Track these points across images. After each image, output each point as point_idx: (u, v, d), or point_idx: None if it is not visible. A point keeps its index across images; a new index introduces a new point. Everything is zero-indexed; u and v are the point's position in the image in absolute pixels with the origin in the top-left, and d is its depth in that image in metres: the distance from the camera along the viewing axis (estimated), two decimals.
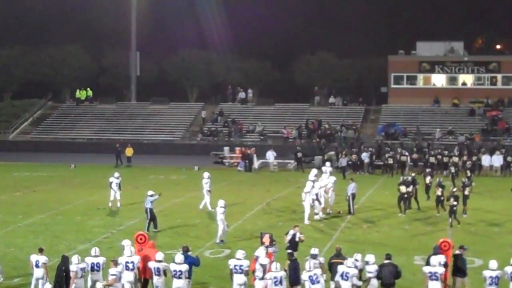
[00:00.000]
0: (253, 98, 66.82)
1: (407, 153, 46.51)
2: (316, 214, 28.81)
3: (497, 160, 45.63)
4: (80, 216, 29.67)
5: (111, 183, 31.38)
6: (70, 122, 63.93)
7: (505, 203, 30.61)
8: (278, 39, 75.69)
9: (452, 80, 64.35)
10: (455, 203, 27.65)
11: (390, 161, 45.51)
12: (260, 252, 17.84)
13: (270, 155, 48.53)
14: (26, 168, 47.37)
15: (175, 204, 33.04)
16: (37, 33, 75.16)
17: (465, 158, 44.61)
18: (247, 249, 18.65)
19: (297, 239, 19.85)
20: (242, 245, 22.70)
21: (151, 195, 26.54)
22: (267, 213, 30.90)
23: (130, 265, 17.54)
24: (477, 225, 28.21)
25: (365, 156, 46.83)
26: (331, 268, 17.54)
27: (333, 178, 31.41)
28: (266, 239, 19.21)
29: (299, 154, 47.78)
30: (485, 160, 45.80)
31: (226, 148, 52.63)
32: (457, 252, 17.98)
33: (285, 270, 17.25)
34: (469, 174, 36.78)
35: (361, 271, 17.34)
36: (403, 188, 30.01)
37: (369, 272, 17.16)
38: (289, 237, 20.01)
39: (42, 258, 17.91)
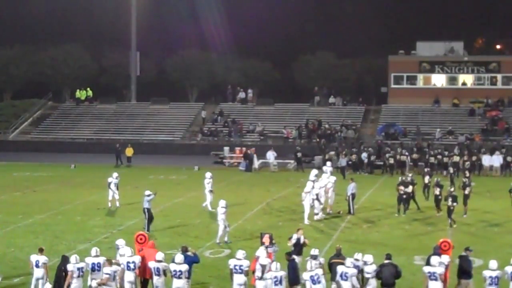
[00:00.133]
0: (253, 98, 66.82)
1: (407, 153, 46.54)
2: (316, 214, 28.80)
3: (497, 160, 45.65)
4: (80, 216, 29.67)
5: (109, 183, 31.38)
6: (70, 122, 63.94)
7: (505, 203, 30.57)
8: (278, 39, 75.68)
9: (452, 80, 64.36)
10: (454, 204, 27.64)
11: (391, 161, 45.53)
12: (261, 252, 17.83)
13: (271, 155, 48.54)
14: (26, 168, 47.38)
15: (175, 204, 33.04)
16: (37, 33, 75.16)
17: (465, 158, 44.64)
18: (247, 249, 18.65)
19: (301, 241, 19.81)
20: (242, 245, 22.70)
21: (148, 195, 26.53)
22: (267, 213, 30.90)
23: (131, 265, 17.54)
24: (477, 225, 28.20)
25: (365, 156, 46.84)
26: (331, 268, 17.53)
27: (333, 178, 31.38)
28: (266, 239, 19.19)
29: (299, 154, 47.77)
30: (485, 160, 45.82)
31: (226, 148, 52.63)
32: (463, 253, 17.94)
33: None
34: (467, 174, 36.80)
35: (361, 271, 17.31)
36: (401, 189, 29.99)
37: (367, 273, 17.15)
38: (293, 241, 19.87)
39: (42, 258, 17.91)
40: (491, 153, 46.36)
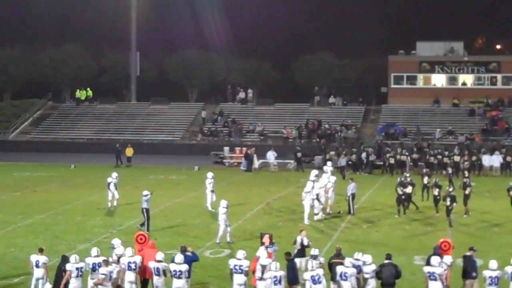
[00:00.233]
0: (253, 98, 66.82)
1: (407, 153, 46.56)
2: (316, 214, 28.80)
3: (497, 160, 45.65)
4: (80, 216, 29.67)
5: (109, 183, 31.37)
6: (70, 122, 63.93)
7: (505, 203, 30.55)
8: (278, 39, 75.69)
9: (452, 80, 64.35)
10: (454, 204, 27.62)
11: (392, 161, 45.55)
12: (261, 252, 17.81)
13: (271, 155, 48.53)
14: (26, 168, 47.38)
15: (175, 204, 33.05)
16: (37, 33, 75.17)
17: (466, 158, 44.66)
18: (247, 249, 18.66)
19: (305, 243, 19.79)
20: (242, 245, 22.71)
21: (146, 195, 26.53)
22: (267, 213, 30.90)
23: (133, 265, 17.54)
24: (477, 225, 28.21)
25: (364, 156, 46.86)
26: (331, 268, 17.53)
27: (333, 178, 31.40)
28: (266, 239, 19.20)
29: (299, 154, 47.77)
30: (485, 160, 45.82)
31: (226, 148, 52.63)
32: (467, 253, 17.92)
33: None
34: (467, 174, 36.84)
35: (360, 271, 17.29)
36: (400, 190, 29.99)
37: (366, 273, 17.14)
38: (299, 246, 19.76)
39: (42, 258, 17.91)
40: (491, 153, 46.36)
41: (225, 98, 66.79)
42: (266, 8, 75.16)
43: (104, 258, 17.69)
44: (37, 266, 17.85)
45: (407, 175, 32.94)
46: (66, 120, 64.52)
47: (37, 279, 17.84)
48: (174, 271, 17.11)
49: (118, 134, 60.76)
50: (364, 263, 17.28)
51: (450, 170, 39.29)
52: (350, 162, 46.40)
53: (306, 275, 16.80)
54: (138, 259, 17.70)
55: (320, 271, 16.74)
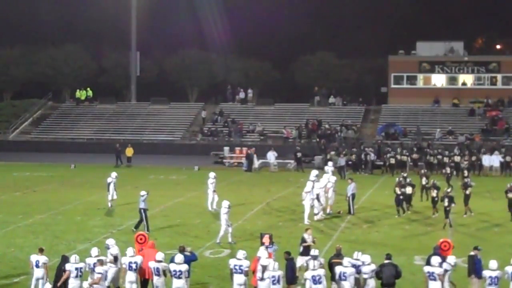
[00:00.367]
0: (253, 98, 66.83)
1: (407, 153, 46.58)
2: (316, 214, 28.80)
3: (497, 160, 45.66)
4: (80, 216, 29.67)
5: (109, 183, 31.36)
6: (70, 122, 63.94)
7: (504, 203, 30.49)
8: (278, 39, 75.70)
9: (452, 80, 64.38)
10: (452, 204, 27.60)
11: (392, 161, 45.56)
12: (262, 253, 17.79)
13: (271, 155, 48.51)
14: (26, 168, 47.38)
15: (175, 204, 33.05)
16: (37, 33, 75.17)
17: (466, 158, 44.69)
18: (247, 249, 18.65)
19: (308, 241, 19.76)
20: (242, 245, 22.70)
21: (143, 195, 26.53)
22: (267, 213, 30.90)
23: (133, 265, 17.53)
24: (477, 225, 28.20)
25: (364, 156, 46.90)
26: (331, 268, 17.54)
27: (333, 178, 31.42)
28: (266, 240, 19.20)
29: (299, 154, 47.78)
30: (485, 160, 45.82)
31: (226, 148, 52.63)
32: (472, 253, 17.92)
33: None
34: (466, 174, 36.84)
35: (359, 271, 17.29)
36: (398, 190, 29.98)
37: (365, 273, 17.12)
38: (310, 242, 19.60)
39: (42, 258, 17.90)
40: (491, 153, 46.36)
41: (225, 98, 66.79)
42: (266, 8, 75.17)
43: (99, 257, 17.66)
44: (37, 266, 17.84)
45: (404, 175, 32.90)
46: (66, 120, 64.53)
47: (37, 279, 17.82)
48: (174, 271, 17.11)
49: (118, 134, 60.77)
50: (363, 263, 17.27)
51: (448, 170, 39.26)
52: (350, 162, 46.43)
53: (307, 274, 16.80)
54: (139, 259, 17.69)
55: (322, 272, 16.74)
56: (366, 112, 62.89)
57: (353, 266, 17.15)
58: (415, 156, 46.79)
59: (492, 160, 45.76)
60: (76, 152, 57.02)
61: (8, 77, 72.19)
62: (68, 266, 17.14)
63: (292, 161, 48.54)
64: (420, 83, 64.99)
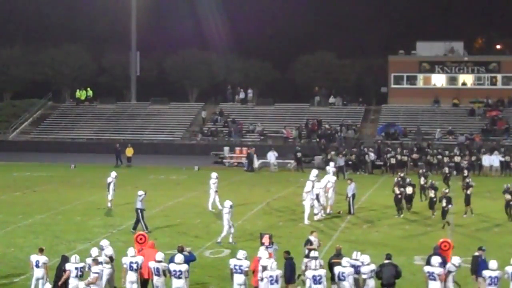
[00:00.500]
0: (253, 98, 66.83)
1: (408, 153, 46.59)
2: (316, 214, 28.80)
3: (496, 160, 45.65)
4: (80, 216, 29.67)
5: (109, 183, 31.35)
6: (70, 122, 63.94)
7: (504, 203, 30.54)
8: (278, 39, 75.71)
9: (452, 80, 64.37)
10: (449, 205, 27.56)
11: (392, 161, 45.57)
12: (263, 253, 17.78)
13: (271, 155, 48.49)
14: (26, 168, 47.37)
15: (175, 204, 33.05)
16: (37, 33, 75.18)
17: (466, 158, 44.71)
18: (247, 249, 18.64)
19: (313, 244, 19.76)
20: (242, 245, 22.70)
21: (140, 195, 26.52)
22: (267, 213, 30.90)
23: (134, 265, 17.52)
24: (477, 225, 28.20)
25: (364, 156, 46.95)
26: (331, 269, 17.54)
27: (333, 178, 31.46)
28: (266, 240, 19.19)
29: (299, 154, 47.78)
30: (485, 160, 45.82)
31: (226, 148, 52.62)
32: (476, 253, 17.90)
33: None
34: (466, 174, 36.83)
35: (358, 271, 17.28)
36: (397, 189, 29.97)
37: (364, 273, 17.10)
38: (316, 244, 19.58)
39: (42, 258, 17.90)
40: (491, 153, 46.35)
41: (225, 98, 66.78)
42: (266, 8, 75.18)
43: (93, 257, 17.65)
44: (37, 266, 17.84)
45: (402, 175, 32.86)
46: (66, 120, 64.54)
47: (37, 279, 17.83)
48: (174, 271, 17.11)
49: (118, 134, 60.77)
50: (362, 264, 17.26)
51: (447, 170, 39.23)
52: (350, 162, 46.45)
53: (308, 274, 16.81)
54: (140, 259, 17.69)
55: (323, 272, 16.73)
56: (366, 112, 62.89)
57: (352, 266, 17.15)
58: (415, 156, 46.79)
59: (492, 160, 45.75)
60: (76, 152, 57.02)
61: (8, 77, 72.16)
62: (68, 266, 17.15)
63: (292, 161, 48.53)
64: (420, 83, 64.98)
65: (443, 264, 17.23)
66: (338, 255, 17.93)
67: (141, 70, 69.65)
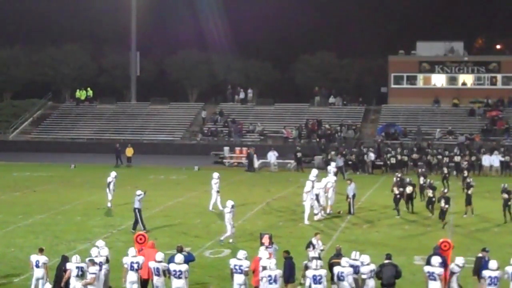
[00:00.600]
0: (253, 98, 66.83)
1: (408, 153, 46.59)
2: (316, 214, 28.80)
3: (496, 160, 45.65)
4: (80, 216, 29.67)
5: (109, 183, 31.34)
6: (70, 122, 63.96)
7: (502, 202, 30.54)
8: (278, 39, 75.70)
9: (452, 80, 64.37)
10: (446, 206, 27.53)
11: (392, 161, 45.57)
12: (263, 253, 17.77)
13: (272, 155, 48.48)
14: (26, 168, 47.37)
15: (175, 204, 33.05)
16: (37, 33, 75.17)
17: (466, 158, 44.71)
18: (247, 249, 18.65)
19: (319, 247, 19.73)
20: (242, 245, 22.70)
21: (139, 195, 26.53)
22: (267, 213, 30.90)
23: (135, 265, 17.52)
24: (477, 225, 28.21)
25: (364, 156, 46.96)
26: (331, 269, 17.53)
27: (333, 178, 31.47)
28: (266, 240, 19.18)
29: (299, 154, 47.78)
30: (485, 160, 45.82)
31: (226, 148, 52.62)
32: (479, 255, 17.88)
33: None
34: (466, 174, 36.82)
35: (358, 271, 17.27)
36: (396, 189, 29.95)
37: (363, 274, 17.09)
38: (317, 250, 19.54)
39: (42, 258, 17.90)
40: (491, 153, 46.35)
41: (225, 98, 66.79)
42: (266, 8, 75.15)
43: (90, 258, 17.66)
44: (37, 266, 17.84)
45: (399, 175, 32.83)
46: (66, 120, 64.55)
47: (37, 279, 17.82)
48: (174, 271, 17.10)
49: (118, 134, 60.77)
50: (362, 264, 17.26)
51: (445, 170, 39.20)
52: (350, 162, 46.46)
53: (309, 273, 16.80)
54: (140, 259, 17.69)
55: (323, 272, 16.72)
56: (366, 112, 62.90)
57: (351, 266, 17.14)
58: (415, 156, 46.79)
59: (492, 160, 45.75)
60: (76, 152, 57.03)
61: (8, 77, 72.20)
62: (69, 265, 17.15)
63: (292, 161, 48.54)
64: (420, 83, 64.98)
65: (443, 264, 17.24)
66: (338, 255, 17.92)
67: (141, 70, 69.67)
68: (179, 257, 17.33)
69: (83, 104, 66.82)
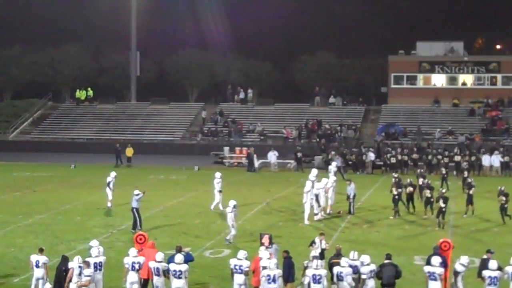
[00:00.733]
0: (253, 98, 66.83)
1: (408, 153, 46.58)
2: (316, 214, 28.80)
3: (497, 160, 45.64)
4: (80, 216, 29.68)
5: (109, 182, 31.33)
6: (70, 122, 63.95)
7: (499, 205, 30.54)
8: (278, 39, 75.70)
9: (452, 80, 64.37)
10: (443, 205, 27.53)
11: (392, 160, 45.55)
12: (264, 254, 17.77)
13: (272, 155, 48.48)
14: (26, 168, 47.38)
15: (175, 204, 33.05)
16: (37, 33, 75.16)
17: (466, 158, 44.71)
18: (247, 249, 18.64)
19: (323, 246, 19.74)
20: (242, 245, 22.69)
21: (137, 194, 26.52)
22: (267, 213, 30.90)
23: (136, 266, 17.52)
24: (477, 225, 28.21)
25: (365, 156, 46.95)
26: (331, 269, 17.53)
27: (333, 178, 31.48)
28: (266, 240, 19.18)
29: (299, 154, 47.78)
30: (485, 160, 45.81)
31: (226, 148, 52.61)
32: (484, 256, 17.87)
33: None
34: (466, 174, 36.81)
35: (357, 271, 17.26)
36: (395, 190, 29.95)
37: (363, 274, 17.08)
38: (318, 249, 19.57)
39: (42, 258, 17.90)
40: (491, 153, 46.34)
41: (225, 98, 66.78)
42: (266, 8, 75.15)
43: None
44: (37, 266, 17.84)
45: (395, 175, 32.80)
46: (66, 120, 64.54)
47: (37, 279, 17.83)
48: (174, 271, 17.10)
49: (118, 134, 60.76)
50: (362, 264, 17.25)
51: (444, 170, 39.18)
52: (350, 162, 46.46)
53: (309, 272, 16.81)
54: (141, 259, 17.69)
55: (323, 272, 16.72)
56: (366, 112, 62.89)
57: (351, 266, 17.14)
58: (415, 156, 46.79)
59: (492, 160, 45.74)
60: (76, 152, 57.01)
61: (8, 77, 72.22)
62: (71, 264, 17.13)
63: (292, 161, 48.54)
64: (420, 83, 64.98)
65: (444, 264, 17.24)
66: (338, 255, 17.92)
67: (141, 70, 69.67)
68: (179, 257, 17.33)
69: (83, 104, 66.81)
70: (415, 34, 67.07)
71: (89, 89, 67.82)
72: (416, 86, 64.82)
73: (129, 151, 49.90)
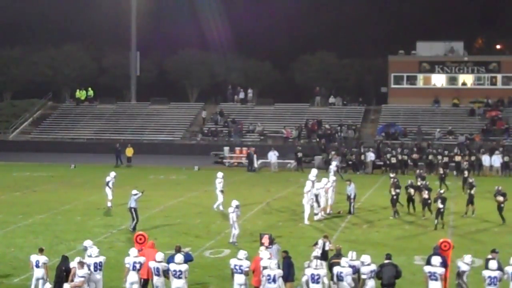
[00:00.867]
0: (253, 98, 66.83)
1: (408, 153, 46.60)
2: (316, 214, 28.80)
3: (497, 160, 45.65)
4: (80, 216, 29.68)
5: (108, 182, 31.32)
6: (70, 122, 63.94)
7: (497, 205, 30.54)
8: (278, 39, 75.71)
9: (452, 80, 64.38)
10: (441, 205, 27.52)
11: (392, 160, 45.55)
12: (264, 254, 17.76)
13: (272, 155, 48.48)
14: (26, 168, 47.38)
15: (175, 204, 33.05)
16: (37, 33, 75.19)
17: (466, 158, 44.72)
18: (247, 249, 18.64)
19: (326, 248, 19.72)
20: (242, 245, 22.70)
21: (135, 194, 26.50)
22: (267, 213, 30.91)
23: (137, 265, 17.51)
24: (477, 226, 28.21)
25: (365, 156, 46.96)
26: (331, 269, 17.53)
27: (333, 178, 31.48)
28: (266, 240, 19.17)
29: (299, 154, 47.79)
30: (485, 160, 45.82)
31: (226, 148, 52.63)
32: (489, 256, 17.86)
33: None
34: (466, 174, 36.81)
35: (357, 271, 17.25)
36: (393, 190, 29.96)
37: (363, 274, 17.07)
38: (320, 249, 19.58)
39: (42, 258, 17.89)
40: (491, 153, 46.35)
41: (225, 98, 66.79)
42: (266, 8, 75.16)
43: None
44: (37, 266, 17.83)
45: (392, 175, 32.79)
46: (66, 120, 64.53)
47: (37, 279, 17.82)
48: (174, 271, 17.10)
49: (118, 134, 60.77)
50: (362, 264, 17.24)
51: (441, 170, 39.17)
52: (350, 162, 46.45)
53: (308, 271, 16.80)
54: (142, 259, 17.68)
55: (322, 272, 16.71)
56: (366, 112, 62.89)
57: (350, 266, 17.14)
58: (415, 156, 46.79)
59: (492, 160, 45.74)
60: (76, 152, 57.01)
61: (8, 77, 72.25)
62: (73, 264, 17.12)
63: (292, 161, 48.55)
64: (420, 83, 64.98)
65: (444, 264, 17.24)
66: (338, 255, 17.92)
67: (141, 70, 69.68)
68: (179, 257, 17.32)
69: (83, 104, 66.81)
70: (415, 34, 67.06)
71: (89, 89, 67.84)
72: (416, 86, 64.82)
73: (129, 151, 49.91)
